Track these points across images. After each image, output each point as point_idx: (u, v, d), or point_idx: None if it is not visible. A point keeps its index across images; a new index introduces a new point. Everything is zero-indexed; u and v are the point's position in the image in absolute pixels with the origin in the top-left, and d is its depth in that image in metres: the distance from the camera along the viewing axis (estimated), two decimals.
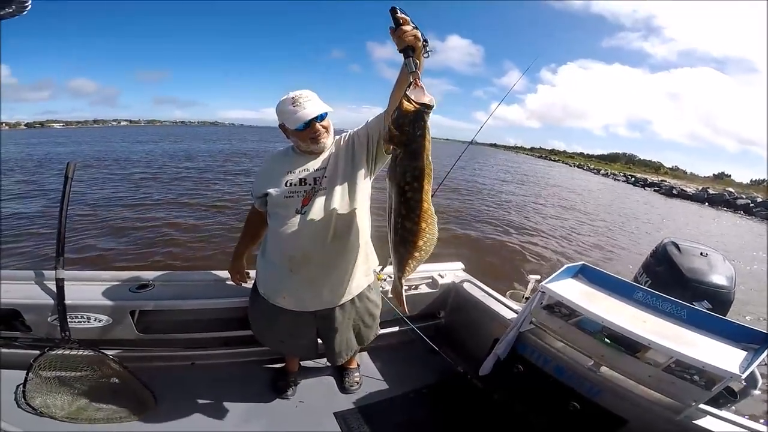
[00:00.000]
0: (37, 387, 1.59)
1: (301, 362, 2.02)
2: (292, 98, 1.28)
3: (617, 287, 1.68)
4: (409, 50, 0.92)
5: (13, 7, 0.78)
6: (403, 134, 0.88)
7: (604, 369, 1.51)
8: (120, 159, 16.86)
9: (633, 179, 40.44)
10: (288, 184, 1.36)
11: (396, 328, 2.22)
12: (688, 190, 30.29)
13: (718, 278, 1.73)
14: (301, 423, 1.74)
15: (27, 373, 1.56)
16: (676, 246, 1.91)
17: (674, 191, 29.80)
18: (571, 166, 68.54)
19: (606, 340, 1.49)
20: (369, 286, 1.59)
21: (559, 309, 1.70)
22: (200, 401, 1.77)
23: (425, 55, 0.96)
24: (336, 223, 1.34)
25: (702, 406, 1.30)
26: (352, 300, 1.53)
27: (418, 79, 0.91)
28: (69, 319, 1.62)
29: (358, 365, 2.07)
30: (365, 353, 2.21)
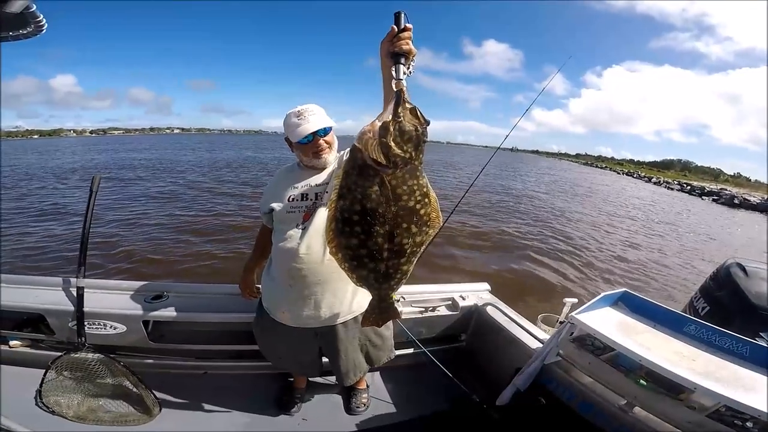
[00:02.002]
0: (53, 387, 1.68)
1: (309, 379, 1.98)
2: (298, 111, 1.29)
3: (664, 319, 1.47)
4: (401, 57, 0.87)
5: (31, 27, 0.80)
6: (406, 153, 0.82)
7: (637, 409, 1.33)
8: (175, 168, 18.04)
9: (689, 188, 37.40)
10: (290, 199, 1.37)
11: (410, 350, 2.12)
12: (751, 199, 27.70)
13: None
14: None
15: (45, 373, 1.66)
16: (742, 268, 1.68)
17: (736, 200, 27.34)
18: (619, 173, 64.89)
19: (642, 381, 1.30)
20: None
21: (592, 342, 1.52)
22: (204, 411, 1.80)
23: (411, 70, 0.90)
24: None
25: None
26: (356, 319, 1.49)
27: (404, 88, 0.84)
28: (87, 326, 1.73)
29: (368, 386, 2.00)
30: (377, 373, 2.13)
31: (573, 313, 1.47)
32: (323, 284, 1.36)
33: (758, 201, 26.52)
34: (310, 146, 1.32)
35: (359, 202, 0.83)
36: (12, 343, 1.87)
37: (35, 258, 5.26)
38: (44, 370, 1.67)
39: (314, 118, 1.28)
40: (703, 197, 30.79)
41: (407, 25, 0.88)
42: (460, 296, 2.19)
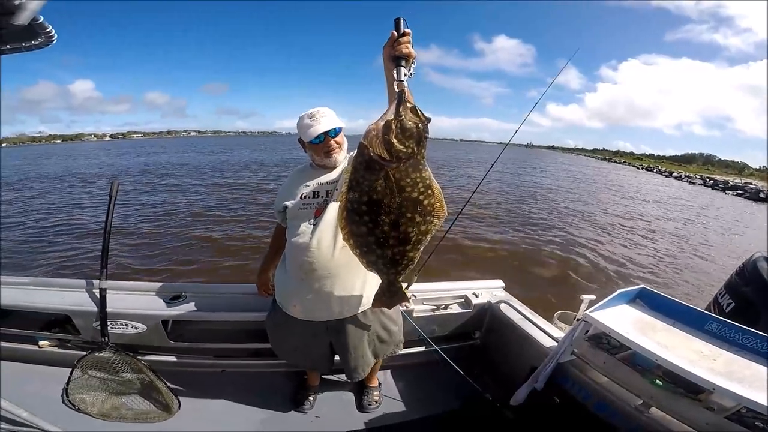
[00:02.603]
0: (79, 385, 1.76)
1: (323, 376, 2.00)
2: (310, 113, 1.37)
3: (684, 316, 1.42)
4: (402, 60, 0.94)
5: (42, 38, 0.83)
6: (408, 148, 0.89)
7: (654, 410, 1.29)
8: (197, 170, 18.45)
9: (712, 182, 36.08)
10: (303, 197, 1.43)
11: (423, 348, 2.12)
12: None
13: None
14: None
15: (71, 372, 1.74)
16: None
17: (762, 194, 26.16)
18: (638, 168, 63.05)
19: (658, 381, 1.26)
20: None
21: (608, 340, 1.48)
22: (221, 408, 1.84)
23: (411, 72, 0.97)
24: None
25: None
26: (365, 313, 1.52)
27: (406, 88, 0.91)
28: (110, 326, 1.80)
29: (380, 384, 2.01)
30: (389, 371, 2.14)
31: (588, 311, 1.44)
32: (333, 278, 1.39)
33: None
34: (321, 146, 1.38)
35: (366, 194, 0.91)
36: (41, 343, 1.95)
37: (62, 262, 5.45)
38: (71, 369, 1.74)
39: (325, 119, 1.35)
40: (726, 191, 29.65)
41: (406, 30, 0.94)
42: (474, 294, 2.18)
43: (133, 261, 5.41)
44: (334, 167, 1.45)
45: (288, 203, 1.45)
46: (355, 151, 1.39)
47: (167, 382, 1.82)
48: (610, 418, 1.39)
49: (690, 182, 37.08)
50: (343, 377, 2.02)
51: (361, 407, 1.90)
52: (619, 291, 1.55)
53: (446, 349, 1.98)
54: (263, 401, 1.88)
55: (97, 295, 1.78)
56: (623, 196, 17.76)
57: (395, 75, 0.93)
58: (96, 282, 1.82)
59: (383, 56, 0.98)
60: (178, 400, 1.78)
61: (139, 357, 1.84)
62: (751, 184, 34.44)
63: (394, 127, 0.87)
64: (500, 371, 2.05)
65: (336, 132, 1.39)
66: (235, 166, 21.54)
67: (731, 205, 20.65)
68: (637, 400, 1.33)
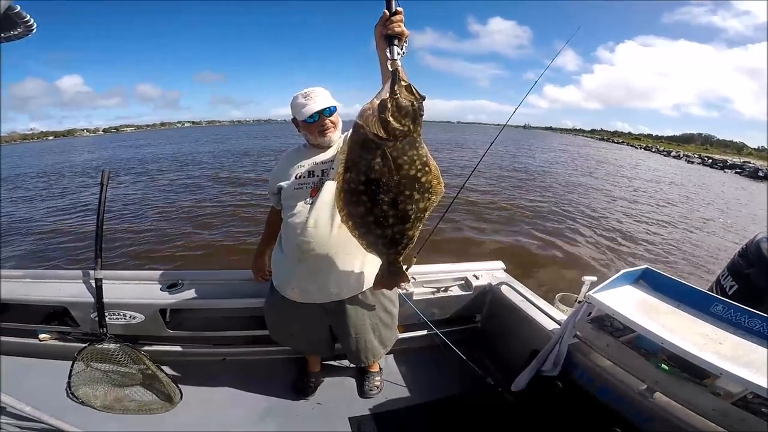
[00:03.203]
0: (82, 378, 1.74)
1: (324, 362, 2.00)
2: (305, 93, 1.36)
3: (689, 298, 1.38)
4: (395, 39, 0.94)
5: (21, 28, 0.82)
6: (404, 126, 0.88)
7: (658, 395, 1.28)
8: (193, 160, 18.27)
9: (710, 161, 35.99)
10: (298, 177, 1.42)
11: (423, 332, 2.10)
12: None
13: None
14: (315, 425, 1.73)
15: (72, 365, 1.72)
16: None
17: (760, 173, 26.25)
18: (637, 148, 62.91)
19: (663, 366, 1.24)
20: None
21: (611, 323, 1.46)
22: (223, 397, 1.84)
23: (404, 50, 0.97)
24: None
25: None
26: (365, 294, 1.50)
27: (399, 67, 0.91)
28: (108, 316, 1.76)
29: (381, 369, 2.01)
30: (390, 356, 2.13)
31: (590, 292, 1.40)
32: (331, 257, 1.38)
33: None
34: (316, 125, 1.37)
35: (364, 173, 0.91)
36: (41, 336, 1.94)
37: (60, 252, 5.44)
38: (72, 362, 1.72)
39: (320, 98, 1.34)
40: (725, 170, 29.70)
41: (398, 8, 0.94)
42: (474, 275, 2.14)
43: (129, 250, 5.39)
44: (328, 146, 1.44)
45: (283, 184, 1.43)
46: (351, 131, 1.37)
47: (168, 372, 1.81)
48: (613, 404, 1.38)
49: (688, 161, 37.05)
50: (344, 363, 2.04)
51: (362, 393, 1.89)
52: (622, 271, 1.52)
53: (447, 333, 1.97)
54: (265, 388, 1.88)
55: (93, 285, 1.75)
56: (621, 175, 17.72)
57: (388, 54, 0.93)
58: (91, 272, 1.78)
59: (375, 35, 0.99)
60: (180, 389, 1.78)
61: (139, 347, 1.83)
62: (749, 162, 34.42)
63: (389, 105, 0.86)
64: (501, 355, 2.04)
65: (331, 111, 1.38)
66: (230, 154, 21.35)
67: (730, 182, 20.66)
68: (641, 384, 1.31)
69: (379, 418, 1.76)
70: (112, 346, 1.75)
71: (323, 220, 1.35)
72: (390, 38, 0.94)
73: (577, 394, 1.49)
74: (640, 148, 64.16)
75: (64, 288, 1.86)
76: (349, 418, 1.75)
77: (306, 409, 1.81)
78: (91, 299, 1.76)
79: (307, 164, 1.43)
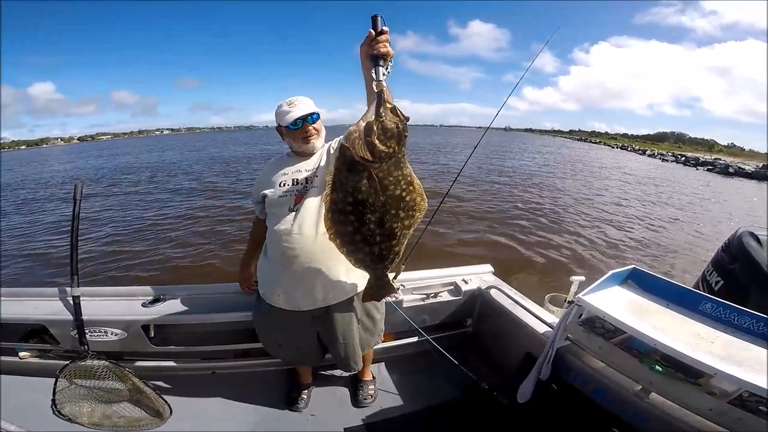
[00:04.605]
0: (66, 395, 1.67)
1: (316, 372, 1.98)
2: (289, 101, 1.40)
3: (678, 297, 1.41)
4: (380, 59, 0.95)
5: None
6: (390, 148, 0.91)
7: (653, 395, 1.29)
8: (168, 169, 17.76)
9: (683, 159, 37.24)
10: (282, 185, 1.44)
11: (415, 339, 2.09)
12: (746, 167, 27.69)
13: None
14: None
15: (55, 382, 1.65)
16: (755, 237, 1.61)
17: (731, 169, 27.27)
18: (613, 147, 64.59)
19: (657, 367, 1.24)
20: None
21: (602, 324, 1.46)
22: (214, 411, 1.80)
23: (389, 70, 0.98)
24: None
25: None
26: (350, 300, 1.51)
27: (385, 88, 0.93)
28: (88, 333, 1.72)
29: (374, 377, 1.99)
30: (382, 364, 2.12)
31: (580, 295, 1.41)
32: (316, 263, 1.39)
33: (753, 169, 26.50)
34: (299, 132, 1.40)
35: (351, 195, 0.93)
36: (21, 354, 1.87)
37: (37, 270, 5.21)
38: (54, 379, 1.66)
39: (303, 105, 1.38)
40: (697, 167, 30.71)
41: (384, 28, 0.95)
42: (463, 280, 2.14)
43: (108, 267, 5.19)
44: (311, 153, 1.47)
45: (267, 192, 1.44)
46: (335, 140, 1.44)
47: (155, 388, 1.75)
48: (608, 405, 1.38)
49: (663, 159, 38.18)
50: (335, 373, 2.01)
51: (356, 402, 1.87)
52: (610, 272, 1.53)
53: (438, 339, 1.96)
54: (257, 402, 1.84)
55: (71, 302, 1.70)
56: (599, 175, 18.15)
57: (374, 75, 0.95)
58: (68, 290, 1.74)
59: (361, 54, 1.00)
60: (169, 405, 1.72)
61: (124, 363, 1.77)
62: (720, 159, 35.85)
63: (375, 128, 0.88)
64: (494, 359, 2.04)
65: (313, 119, 1.41)
66: (210, 161, 20.96)
67: (702, 179, 21.43)
68: (636, 385, 1.32)
69: (374, 427, 1.74)
70: (96, 362, 1.69)
71: (308, 227, 1.37)
72: (375, 58, 0.95)
73: (572, 397, 1.49)
74: (617, 147, 65.82)
75: (41, 306, 1.80)
76: (345, 429, 1.72)
77: (300, 420, 1.78)
78: (70, 317, 1.71)
79: (290, 172, 1.45)
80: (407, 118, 0.91)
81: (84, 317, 1.69)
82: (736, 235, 1.71)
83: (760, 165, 28.55)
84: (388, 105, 0.90)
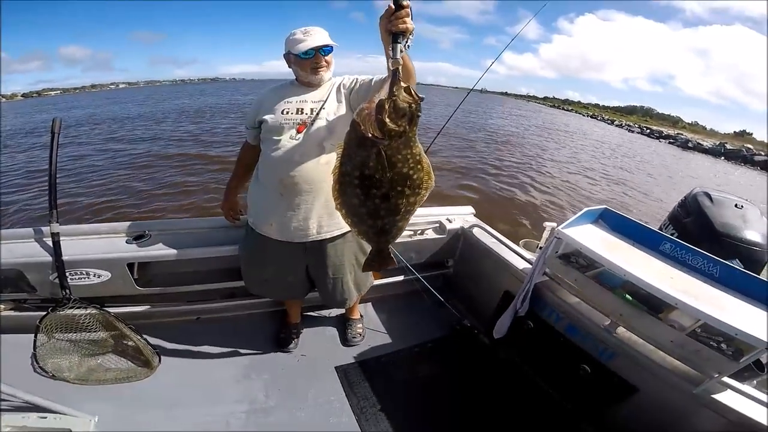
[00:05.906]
0: (48, 350, 1.58)
1: (304, 313, 1.99)
2: (304, 30, 1.35)
3: (642, 237, 1.50)
4: (399, 36, 0.92)
5: None
6: (400, 127, 0.90)
7: (620, 330, 1.39)
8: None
9: (648, 131, 38.97)
10: (284, 112, 1.40)
11: (401, 278, 2.14)
12: (704, 143, 29.34)
13: (753, 234, 1.55)
14: (301, 377, 1.71)
15: (35, 336, 1.55)
16: (708, 196, 1.72)
17: (690, 144, 29.11)
18: (583, 115, 66.28)
19: (627, 296, 1.35)
20: None
21: (576, 259, 1.55)
22: (204, 356, 1.77)
23: (408, 44, 0.96)
24: (327, 151, 1.37)
25: (724, 378, 1.16)
26: (344, 236, 1.51)
27: (400, 66, 0.91)
28: (69, 277, 1.58)
29: (362, 316, 2.04)
30: (369, 304, 2.16)
31: (560, 227, 1.47)
32: (315, 193, 1.38)
33: (709, 146, 28.04)
34: (310, 62, 1.36)
35: (358, 169, 0.94)
36: None
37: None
38: (34, 334, 1.55)
39: (319, 35, 1.33)
40: (660, 140, 32.25)
41: (404, 2, 0.90)
42: (447, 219, 2.19)
43: (86, 206, 5.00)
44: (318, 85, 1.43)
45: (267, 117, 1.40)
46: (345, 77, 1.46)
47: (143, 335, 1.67)
48: (580, 341, 1.49)
49: (629, 130, 39.70)
50: (323, 313, 2.05)
51: (345, 341, 1.92)
52: (584, 210, 1.61)
53: (423, 278, 2.01)
54: (247, 344, 1.83)
55: (50, 242, 1.55)
56: (569, 140, 18.78)
57: (391, 52, 0.93)
58: (45, 229, 1.58)
59: (380, 28, 0.95)
60: (158, 353, 1.68)
61: (108, 309, 1.65)
62: (681, 134, 37.61)
63: (387, 106, 0.88)
64: (474, 298, 2.12)
65: (327, 51, 1.37)
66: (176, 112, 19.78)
67: (663, 151, 22.61)
68: (606, 320, 1.42)
69: (364, 365, 1.79)
70: (78, 311, 1.56)
71: (310, 156, 1.35)
72: (394, 35, 0.92)
73: (547, 333, 1.59)
74: (587, 115, 67.70)
75: (15, 248, 1.60)
76: (336, 368, 1.76)
77: (291, 361, 1.79)
78: (49, 258, 1.55)
79: (295, 101, 1.41)
80: (422, 99, 0.91)
81: (64, 258, 1.55)
82: (692, 193, 1.82)
83: (717, 142, 30.11)
84: (402, 84, 0.89)
